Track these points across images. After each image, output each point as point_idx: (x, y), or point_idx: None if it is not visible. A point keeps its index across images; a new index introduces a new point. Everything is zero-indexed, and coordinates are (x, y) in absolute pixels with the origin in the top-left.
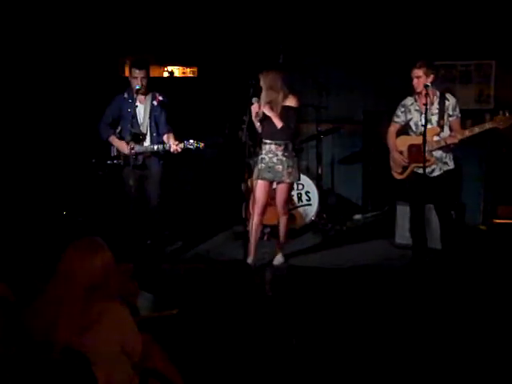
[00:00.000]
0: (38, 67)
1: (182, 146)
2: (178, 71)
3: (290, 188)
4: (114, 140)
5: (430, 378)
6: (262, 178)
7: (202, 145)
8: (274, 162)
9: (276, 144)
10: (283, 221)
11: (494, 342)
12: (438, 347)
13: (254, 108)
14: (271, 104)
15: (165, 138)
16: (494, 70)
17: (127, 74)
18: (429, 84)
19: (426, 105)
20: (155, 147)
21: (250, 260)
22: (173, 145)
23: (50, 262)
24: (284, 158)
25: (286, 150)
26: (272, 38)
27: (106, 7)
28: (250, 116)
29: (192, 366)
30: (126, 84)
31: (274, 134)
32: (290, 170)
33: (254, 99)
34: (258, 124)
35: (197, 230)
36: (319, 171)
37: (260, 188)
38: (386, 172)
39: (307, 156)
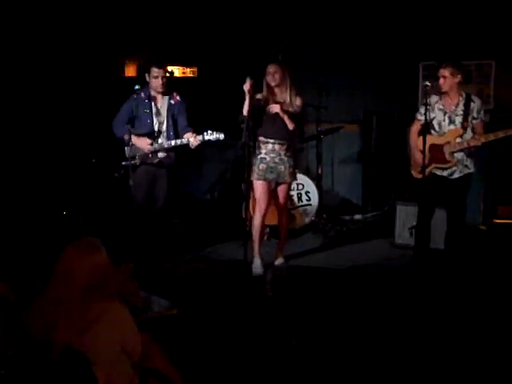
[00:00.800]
0: (37, 68)
1: (200, 138)
2: (178, 71)
3: (290, 187)
4: (133, 137)
5: (430, 377)
6: (265, 179)
7: (221, 135)
8: (276, 162)
9: (280, 143)
10: (284, 220)
11: (494, 341)
12: (437, 347)
13: (246, 86)
14: (283, 104)
15: (184, 136)
16: (494, 69)
17: (127, 74)
18: (428, 84)
19: (425, 105)
20: (173, 142)
21: (257, 259)
22: (191, 138)
23: (50, 262)
24: (286, 158)
25: (288, 149)
26: (272, 38)
27: (105, 7)
28: (249, 115)
29: (192, 366)
30: (126, 84)
31: (276, 133)
32: (291, 169)
33: (248, 78)
34: (247, 109)
35: (197, 230)
36: (319, 171)
37: (262, 188)
38: (386, 172)
39: (307, 156)
